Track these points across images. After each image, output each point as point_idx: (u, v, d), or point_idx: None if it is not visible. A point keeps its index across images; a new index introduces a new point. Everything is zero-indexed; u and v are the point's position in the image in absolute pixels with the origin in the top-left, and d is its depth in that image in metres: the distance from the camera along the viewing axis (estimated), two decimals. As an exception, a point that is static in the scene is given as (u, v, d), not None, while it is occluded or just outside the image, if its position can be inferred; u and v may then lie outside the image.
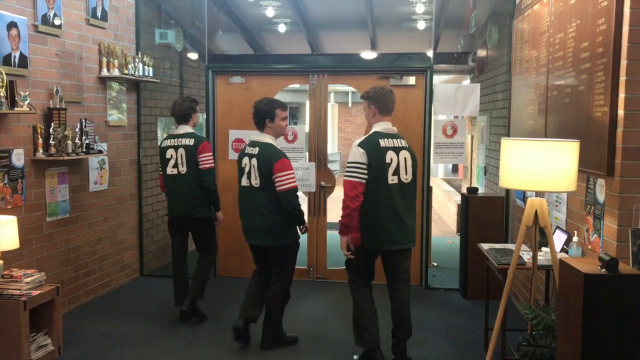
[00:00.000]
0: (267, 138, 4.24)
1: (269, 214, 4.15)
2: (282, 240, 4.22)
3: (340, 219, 3.91)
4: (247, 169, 4.19)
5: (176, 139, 4.79)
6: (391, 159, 3.84)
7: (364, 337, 4.00)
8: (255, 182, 4.15)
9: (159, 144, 6.48)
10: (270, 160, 4.10)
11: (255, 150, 4.18)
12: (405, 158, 3.89)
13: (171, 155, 4.76)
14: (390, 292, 4.07)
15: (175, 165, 4.75)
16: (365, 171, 3.80)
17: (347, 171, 3.86)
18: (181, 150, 4.73)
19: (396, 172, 3.85)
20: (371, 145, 3.85)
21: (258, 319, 4.35)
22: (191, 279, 4.98)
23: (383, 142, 3.86)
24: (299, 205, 4.20)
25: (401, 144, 3.93)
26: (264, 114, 4.24)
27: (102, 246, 5.55)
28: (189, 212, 4.79)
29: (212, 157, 4.81)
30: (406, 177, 3.90)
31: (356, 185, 3.80)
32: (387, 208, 3.84)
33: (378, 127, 3.94)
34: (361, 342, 4.03)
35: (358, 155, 3.83)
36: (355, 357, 4.13)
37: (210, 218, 4.93)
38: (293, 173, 4.16)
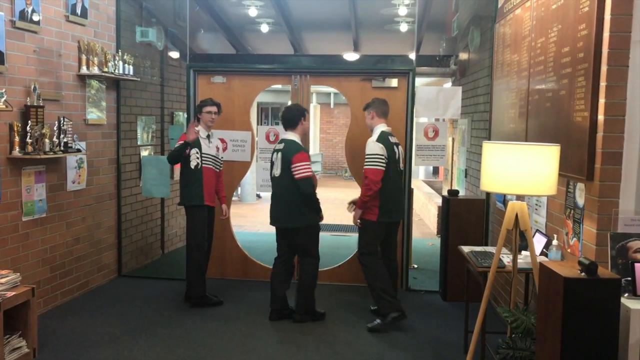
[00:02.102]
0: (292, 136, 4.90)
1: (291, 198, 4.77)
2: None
3: (362, 198, 4.82)
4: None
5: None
6: (397, 152, 4.90)
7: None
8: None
9: (138, 142, 6.43)
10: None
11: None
12: (401, 151, 5.03)
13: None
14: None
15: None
16: (385, 161, 4.75)
17: (370, 161, 4.76)
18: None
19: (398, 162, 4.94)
20: (385, 141, 4.81)
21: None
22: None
23: (391, 139, 4.89)
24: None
25: (397, 140, 5.01)
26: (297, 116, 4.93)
27: (79, 246, 5.47)
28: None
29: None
30: (402, 166, 5.09)
31: (380, 172, 4.74)
32: (397, 189, 4.97)
33: (383, 127, 4.91)
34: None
35: (377, 148, 4.75)
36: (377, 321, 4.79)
37: (189, 208, 5.24)
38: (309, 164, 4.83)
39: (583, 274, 2.70)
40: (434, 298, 5.71)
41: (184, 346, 4.37)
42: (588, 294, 2.66)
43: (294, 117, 4.90)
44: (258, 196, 12.79)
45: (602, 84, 3.19)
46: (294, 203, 4.74)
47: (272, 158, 4.94)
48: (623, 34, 3.12)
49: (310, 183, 4.70)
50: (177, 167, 7.05)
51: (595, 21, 3.20)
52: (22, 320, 4.01)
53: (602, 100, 3.19)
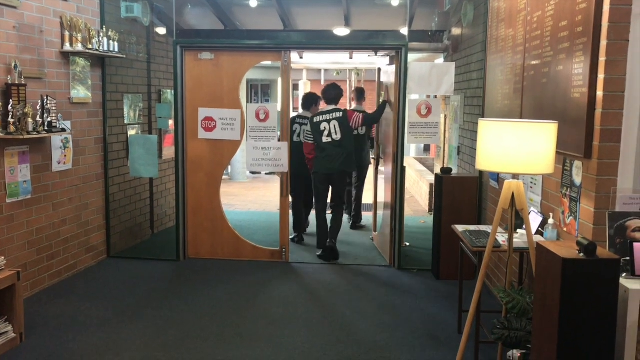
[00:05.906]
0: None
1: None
2: None
3: None
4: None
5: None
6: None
7: None
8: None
9: (125, 121, 6.28)
10: None
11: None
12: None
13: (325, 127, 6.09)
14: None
15: (329, 135, 6.04)
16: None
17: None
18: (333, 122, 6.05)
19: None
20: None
21: None
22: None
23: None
24: None
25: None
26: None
27: (66, 228, 5.36)
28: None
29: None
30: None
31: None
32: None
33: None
34: None
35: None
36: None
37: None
38: None
39: (581, 254, 2.64)
40: (427, 276, 5.67)
41: (174, 328, 4.30)
42: (586, 274, 2.61)
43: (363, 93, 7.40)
44: (257, 173, 12.59)
45: (602, 59, 3.10)
46: None
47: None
48: (623, 7, 3.02)
49: None
50: (166, 146, 6.95)
51: (595, -6, 3.10)
52: (8, 305, 3.93)
53: (601, 76, 3.11)
